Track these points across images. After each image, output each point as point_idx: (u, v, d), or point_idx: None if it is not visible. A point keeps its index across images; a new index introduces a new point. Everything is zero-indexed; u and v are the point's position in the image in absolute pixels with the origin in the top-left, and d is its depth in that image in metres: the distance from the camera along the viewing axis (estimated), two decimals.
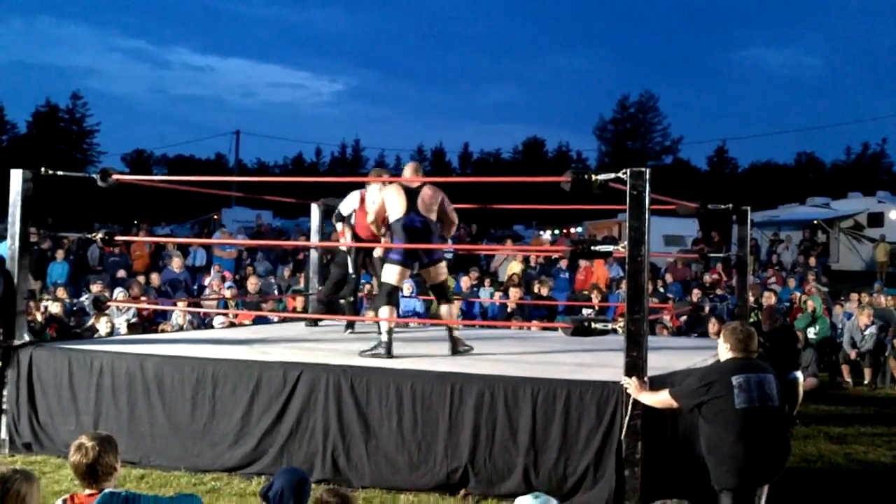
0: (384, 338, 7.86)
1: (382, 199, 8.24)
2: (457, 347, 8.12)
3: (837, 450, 8.75)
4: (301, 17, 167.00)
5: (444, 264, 8.46)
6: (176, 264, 17.08)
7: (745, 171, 68.02)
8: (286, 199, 13.06)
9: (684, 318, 14.18)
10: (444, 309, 8.41)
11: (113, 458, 3.85)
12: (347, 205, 9.48)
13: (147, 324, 13.18)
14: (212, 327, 12.28)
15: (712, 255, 14.78)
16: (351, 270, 9.72)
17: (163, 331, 12.27)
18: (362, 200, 9.29)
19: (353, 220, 9.44)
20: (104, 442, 3.85)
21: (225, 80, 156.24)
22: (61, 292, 14.64)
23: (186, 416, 7.30)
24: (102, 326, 11.60)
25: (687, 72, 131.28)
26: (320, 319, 10.32)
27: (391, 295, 8.14)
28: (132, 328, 12.52)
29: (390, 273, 8.15)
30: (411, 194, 8.11)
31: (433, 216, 8.18)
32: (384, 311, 7.99)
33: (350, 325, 10.02)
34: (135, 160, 71.80)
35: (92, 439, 3.85)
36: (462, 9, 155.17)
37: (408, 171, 8.62)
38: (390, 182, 8.54)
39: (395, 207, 8.09)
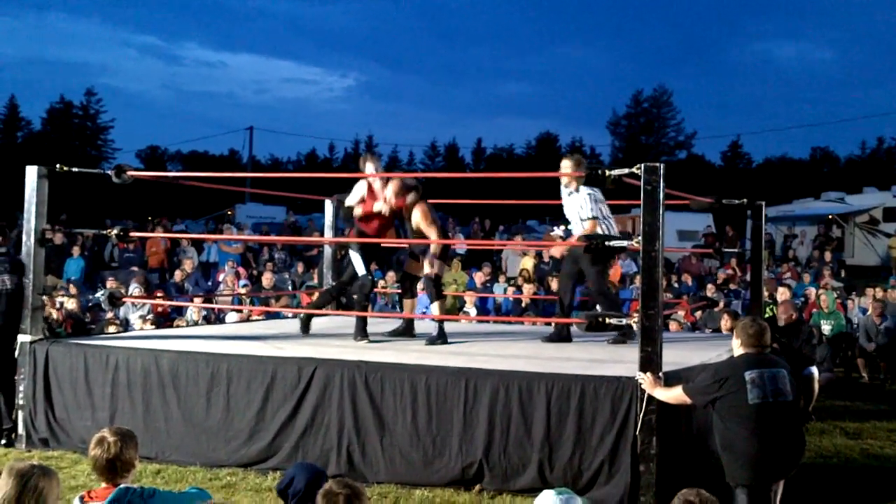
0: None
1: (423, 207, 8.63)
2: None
3: (853, 445, 8.72)
4: (311, 12, 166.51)
5: None
6: (188, 265, 17.20)
7: (759, 165, 67.58)
8: (300, 195, 13.06)
9: (699, 313, 14.15)
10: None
11: (133, 453, 3.88)
12: (354, 197, 8.91)
13: (162, 319, 13.24)
14: (225, 322, 12.34)
15: (727, 250, 14.73)
16: (362, 271, 8.71)
17: (177, 326, 12.32)
18: (370, 190, 8.75)
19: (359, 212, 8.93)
20: (125, 437, 3.87)
21: (237, 76, 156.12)
22: (73, 288, 14.68)
23: (201, 412, 7.33)
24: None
25: (700, 66, 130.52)
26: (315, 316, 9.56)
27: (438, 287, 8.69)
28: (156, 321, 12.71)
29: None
30: None
31: None
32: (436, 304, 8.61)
33: (363, 331, 8.68)
34: (149, 156, 71.89)
35: (114, 434, 3.87)
36: (473, 3, 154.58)
37: None
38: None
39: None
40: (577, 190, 8.39)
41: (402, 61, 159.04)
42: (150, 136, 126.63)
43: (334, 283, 10.08)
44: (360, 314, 8.82)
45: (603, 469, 6.29)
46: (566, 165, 8.42)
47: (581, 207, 8.31)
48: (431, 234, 8.58)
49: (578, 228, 8.44)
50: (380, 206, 8.54)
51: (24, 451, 7.74)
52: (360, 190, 8.85)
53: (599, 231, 8.27)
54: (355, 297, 9.03)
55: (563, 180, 8.50)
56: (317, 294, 10.40)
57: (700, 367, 6.76)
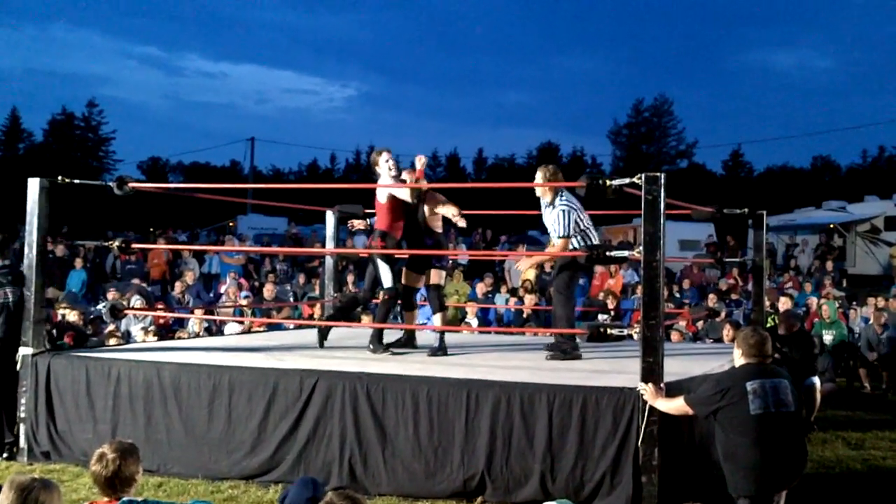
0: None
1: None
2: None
3: (855, 455, 8.70)
4: (311, 23, 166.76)
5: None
6: (189, 277, 17.16)
7: (760, 174, 67.52)
8: (301, 206, 13.06)
9: (700, 323, 14.14)
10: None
11: (134, 468, 3.85)
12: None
13: (164, 331, 13.23)
14: (226, 334, 12.33)
15: (728, 259, 14.71)
16: (389, 283, 8.56)
17: (179, 338, 12.32)
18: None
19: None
20: (125, 453, 3.85)
21: (238, 87, 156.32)
22: (65, 304, 14.57)
23: (203, 424, 7.32)
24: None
25: (701, 75, 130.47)
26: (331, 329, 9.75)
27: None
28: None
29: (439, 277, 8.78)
30: None
31: None
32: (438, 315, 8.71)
33: (381, 341, 8.70)
34: (150, 168, 71.91)
35: (113, 451, 3.85)
36: (474, 12, 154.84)
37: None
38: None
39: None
40: (552, 204, 8.03)
41: (402, 71, 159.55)
42: (151, 148, 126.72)
43: (354, 294, 10.04)
44: (379, 325, 8.76)
45: (605, 480, 6.27)
46: (539, 177, 8.08)
47: (556, 222, 7.93)
48: (449, 208, 8.64)
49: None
50: (410, 179, 8.80)
51: (26, 465, 7.73)
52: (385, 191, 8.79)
53: (572, 247, 7.99)
54: (377, 306, 8.98)
55: (539, 192, 8.19)
56: (319, 305, 10.38)
57: (702, 377, 6.75)
